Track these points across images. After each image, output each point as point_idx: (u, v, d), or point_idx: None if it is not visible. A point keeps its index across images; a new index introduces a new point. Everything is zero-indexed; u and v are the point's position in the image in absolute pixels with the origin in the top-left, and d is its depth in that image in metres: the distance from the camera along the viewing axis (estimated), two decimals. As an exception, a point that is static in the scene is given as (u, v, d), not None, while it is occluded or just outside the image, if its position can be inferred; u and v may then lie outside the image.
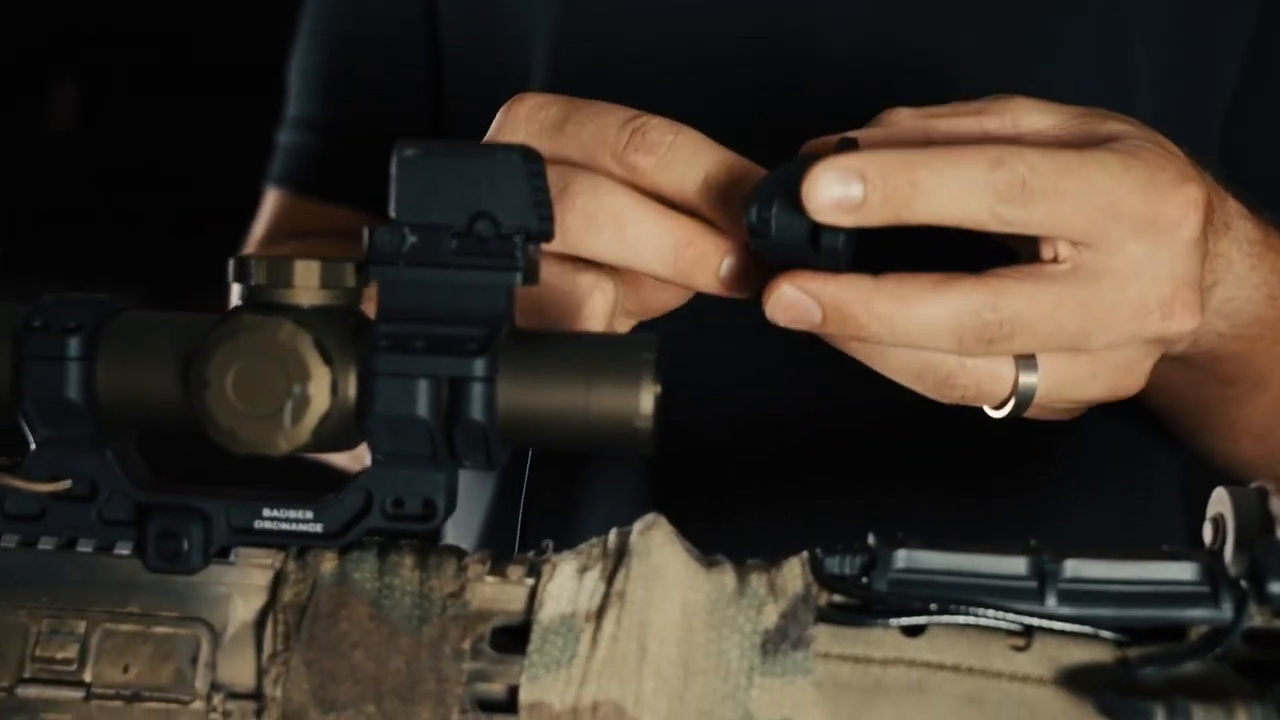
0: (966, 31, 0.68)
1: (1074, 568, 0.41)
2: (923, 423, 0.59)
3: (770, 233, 0.46)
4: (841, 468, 0.67)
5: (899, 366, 0.48)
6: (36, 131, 2.07)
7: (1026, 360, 0.48)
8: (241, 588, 0.42)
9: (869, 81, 0.68)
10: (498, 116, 0.51)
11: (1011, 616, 0.40)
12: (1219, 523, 0.44)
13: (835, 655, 0.40)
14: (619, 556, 0.41)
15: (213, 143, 1.96)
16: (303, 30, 0.80)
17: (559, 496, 0.71)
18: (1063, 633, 0.40)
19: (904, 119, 0.49)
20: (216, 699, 0.41)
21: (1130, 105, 0.67)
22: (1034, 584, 0.41)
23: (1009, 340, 0.46)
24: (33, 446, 0.43)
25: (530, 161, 0.41)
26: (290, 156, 0.79)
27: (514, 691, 0.41)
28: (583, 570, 0.42)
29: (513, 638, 0.42)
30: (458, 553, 0.42)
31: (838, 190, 0.44)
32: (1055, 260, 0.47)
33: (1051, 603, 0.41)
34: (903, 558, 0.41)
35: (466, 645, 0.41)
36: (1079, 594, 0.41)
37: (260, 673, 0.41)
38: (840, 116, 0.67)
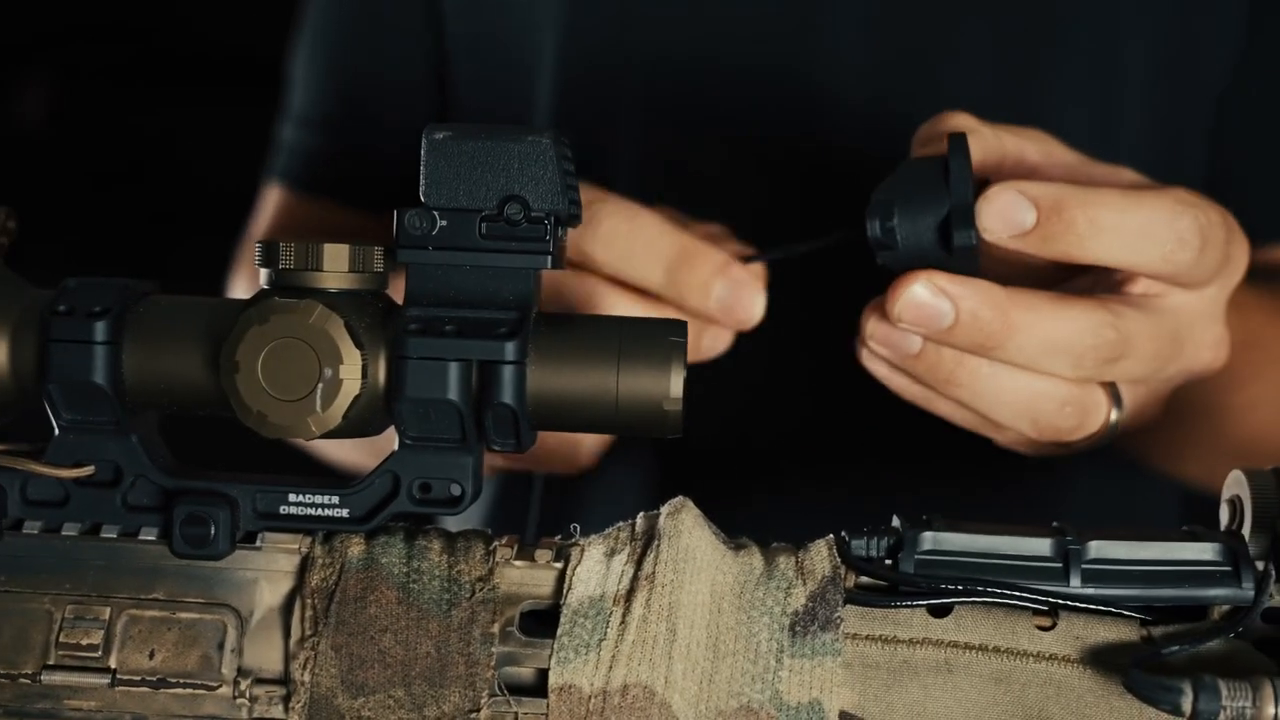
0: (961, 52, 0.68)
1: (1098, 548, 0.41)
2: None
3: (897, 242, 0.45)
4: (853, 454, 0.67)
5: (1009, 400, 0.47)
6: (7, 127, 2.05)
7: (1115, 392, 0.48)
8: (268, 573, 0.42)
9: (867, 95, 0.68)
10: None
11: (1038, 596, 0.41)
12: (1236, 504, 0.44)
13: (863, 636, 0.41)
14: (648, 539, 0.42)
15: (183, 136, 1.95)
16: (305, 25, 0.80)
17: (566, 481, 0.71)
18: (1087, 612, 0.41)
19: (964, 122, 0.49)
20: (244, 684, 0.41)
21: (1121, 101, 0.68)
22: (1059, 564, 0.41)
23: (1121, 362, 0.47)
24: (56, 432, 0.42)
25: (560, 145, 0.41)
26: (293, 153, 0.79)
27: (543, 675, 0.41)
28: (610, 554, 0.42)
29: (540, 621, 0.42)
30: (485, 537, 0.43)
31: (1013, 214, 0.45)
32: (1139, 294, 0.48)
33: (1076, 583, 0.41)
34: (929, 539, 0.42)
35: (495, 629, 0.41)
36: (1103, 574, 0.41)
37: (288, 658, 0.41)
38: (841, 129, 0.67)
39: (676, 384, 0.41)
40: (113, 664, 0.42)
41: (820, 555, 0.42)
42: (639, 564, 0.41)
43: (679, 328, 0.42)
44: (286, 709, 0.41)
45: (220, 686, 0.41)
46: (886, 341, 0.47)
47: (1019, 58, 0.68)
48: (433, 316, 0.41)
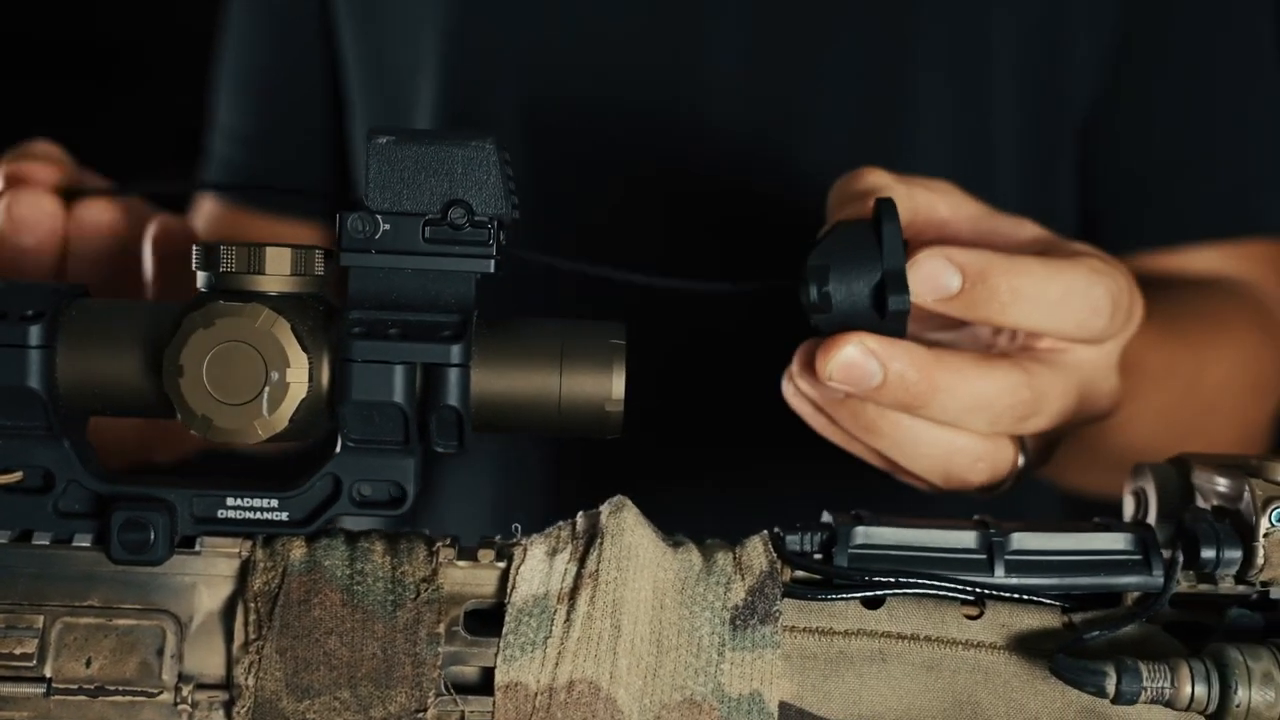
0: (833, 80, 0.69)
1: (1019, 540, 0.43)
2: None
3: (831, 306, 0.46)
4: (787, 447, 0.68)
5: (926, 453, 0.49)
6: None
7: (1021, 442, 0.50)
8: (206, 577, 0.42)
9: (752, 136, 0.69)
10: None
11: (966, 586, 0.42)
12: (1140, 495, 0.47)
13: (801, 629, 0.42)
14: (589, 538, 0.42)
15: (38, 125, 1.89)
16: (226, 39, 0.80)
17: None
18: (1012, 601, 0.43)
19: (879, 180, 0.50)
20: (185, 690, 0.41)
21: (988, 130, 0.70)
22: (983, 556, 0.43)
23: (1033, 418, 0.48)
24: (-16, 437, 0.41)
25: (502, 150, 0.41)
26: (222, 168, 0.80)
27: (488, 673, 0.41)
28: (553, 553, 0.42)
29: (482, 621, 0.42)
30: (425, 538, 0.43)
31: (939, 280, 0.46)
32: (1045, 349, 0.50)
33: (1000, 573, 0.43)
34: (861, 534, 0.43)
35: (441, 629, 0.41)
36: (1024, 564, 0.43)
37: (230, 662, 0.41)
38: (727, 165, 0.68)
39: (618, 386, 0.42)
40: (48, 673, 0.41)
41: (756, 551, 0.43)
42: (582, 562, 0.42)
43: (619, 330, 0.42)
44: (229, 714, 0.41)
45: (161, 693, 0.41)
46: (813, 388, 0.48)
47: (883, 91, 0.69)
48: (375, 320, 0.41)
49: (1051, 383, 0.49)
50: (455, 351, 0.41)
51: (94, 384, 0.41)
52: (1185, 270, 0.69)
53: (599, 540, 0.42)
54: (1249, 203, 0.70)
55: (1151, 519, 0.46)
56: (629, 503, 0.43)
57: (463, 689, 0.41)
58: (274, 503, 0.42)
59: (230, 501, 0.42)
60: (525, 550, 0.42)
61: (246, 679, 0.41)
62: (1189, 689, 0.40)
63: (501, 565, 0.42)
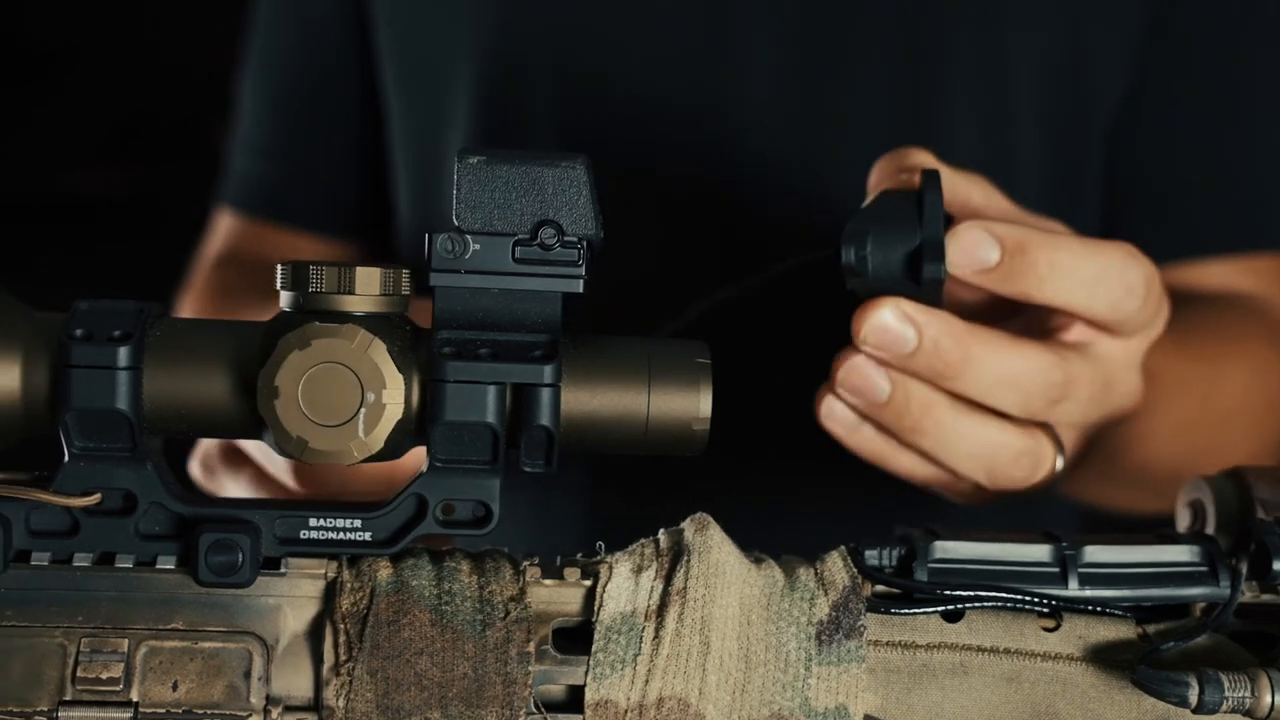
0: (863, 99, 0.70)
1: (1091, 553, 0.44)
2: None
3: (868, 270, 0.47)
4: (819, 460, 0.69)
5: (969, 451, 0.49)
6: None
7: (1057, 439, 0.51)
8: (291, 599, 0.42)
9: (783, 152, 0.70)
10: None
11: (1044, 599, 0.43)
12: (1198, 508, 0.48)
13: (884, 642, 0.43)
14: (675, 555, 0.43)
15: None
16: (250, 49, 0.79)
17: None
18: (1087, 613, 0.44)
19: (925, 159, 0.50)
20: (274, 712, 0.41)
21: (1011, 139, 0.71)
22: (1057, 569, 0.44)
23: (1063, 404, 0.49)
24: (66, 459, 0.41)
25: (592, 172, 0.42)
26: (244, 179, 0.79)
27: (575, 691, 0.41)
28: (638, 570, 0.43)
29: (568, 639, 0.42)
30: (510, 556, 0.43)
31: (979, 251, 0.46)
32: (1075, 340, 0.50)
33: (1074, 585, 0.44)
34: (939, 548, 0.44)
35: (531, 648, 0.41)
36: (1097, 577, 0.44)
37: (320, 684, 0.41)
38: (757, 181, 0.69)
39: (705, 405, 0.42)
40: (134, 697, 0.40)
41: (837, 566, 0.43)
42: (669, 579, 0.42)
43: (703, 349, 0.43)
44: (318, 736, 0.41)
45: (249, 716, 0.41)
46: (856, 389, 0.48)
47: (912, 99, 0.70)
48: (464, 340, 0.41)
49: (1081, 369, 0.49)
50: (548, 371, 0.41)
51: (181, 405, 0.41)
52: (1199, 284, 0.70)
53: (685, 557, 0.42)
54: (1264, 217, 0.71)
55: (1209, 531, 0.47)
56: (712, 520, 0.44)
57: (550, 707, 0.41)
58: (357, 523, 0.42)
59: (313, 522, 0.42)
60: (610, 568, 0.43)
61: (337, 700, 0.41)
62: (1269, 698, 0.41)
63: (587, 583, 0.43)
